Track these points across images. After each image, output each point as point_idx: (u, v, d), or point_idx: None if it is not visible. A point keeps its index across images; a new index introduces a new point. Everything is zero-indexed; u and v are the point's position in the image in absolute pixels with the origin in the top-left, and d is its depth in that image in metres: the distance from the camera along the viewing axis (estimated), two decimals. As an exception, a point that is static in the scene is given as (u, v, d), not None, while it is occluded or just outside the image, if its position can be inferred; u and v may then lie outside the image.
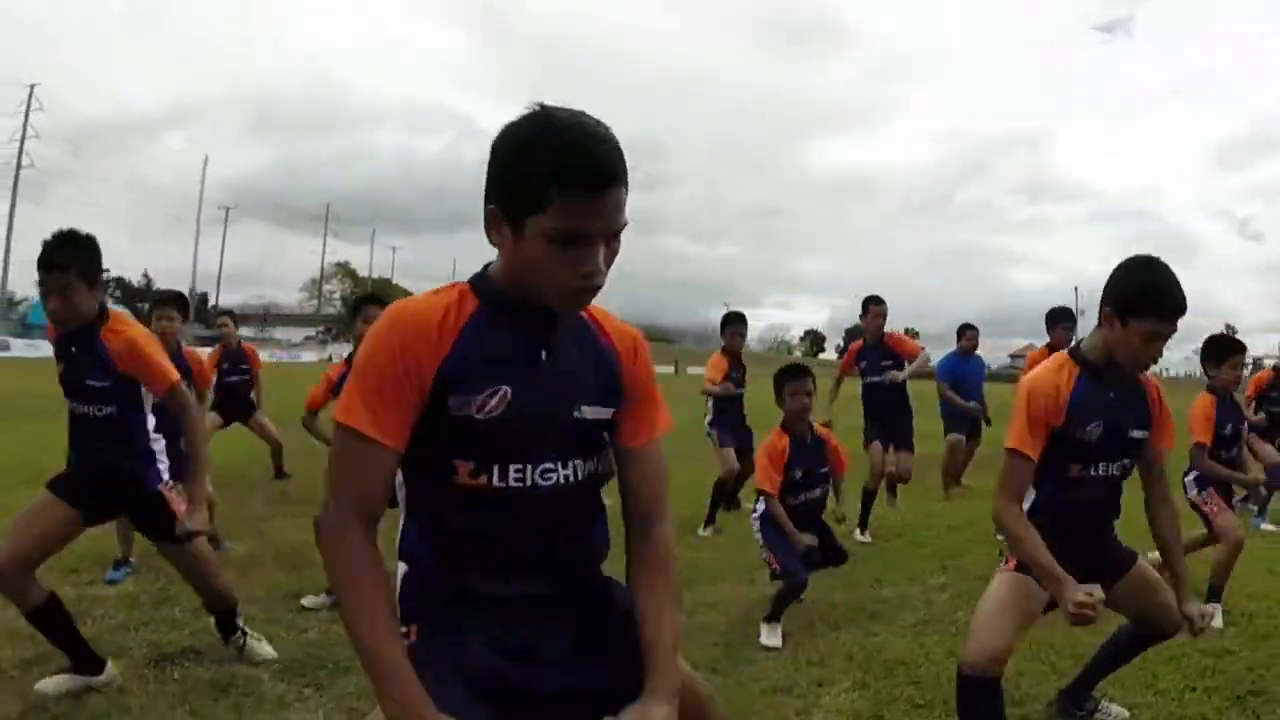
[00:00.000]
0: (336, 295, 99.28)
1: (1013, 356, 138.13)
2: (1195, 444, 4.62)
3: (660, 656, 1.56)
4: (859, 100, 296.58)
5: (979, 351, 9.21)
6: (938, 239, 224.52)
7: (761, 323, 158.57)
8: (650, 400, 1.72)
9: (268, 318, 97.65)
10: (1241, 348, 4.87)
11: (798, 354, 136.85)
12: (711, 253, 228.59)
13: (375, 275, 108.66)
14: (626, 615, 1.62)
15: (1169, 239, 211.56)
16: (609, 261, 1.51)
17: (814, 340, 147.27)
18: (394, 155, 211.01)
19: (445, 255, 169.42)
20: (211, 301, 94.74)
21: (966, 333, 9.02)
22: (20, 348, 42.31)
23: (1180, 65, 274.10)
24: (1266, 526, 7.01)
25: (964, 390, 8.71)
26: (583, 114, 1.46)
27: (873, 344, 7.38)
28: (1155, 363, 2.74)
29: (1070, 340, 6.64)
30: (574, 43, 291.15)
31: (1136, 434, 2.79)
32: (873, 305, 7.40)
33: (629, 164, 1.46)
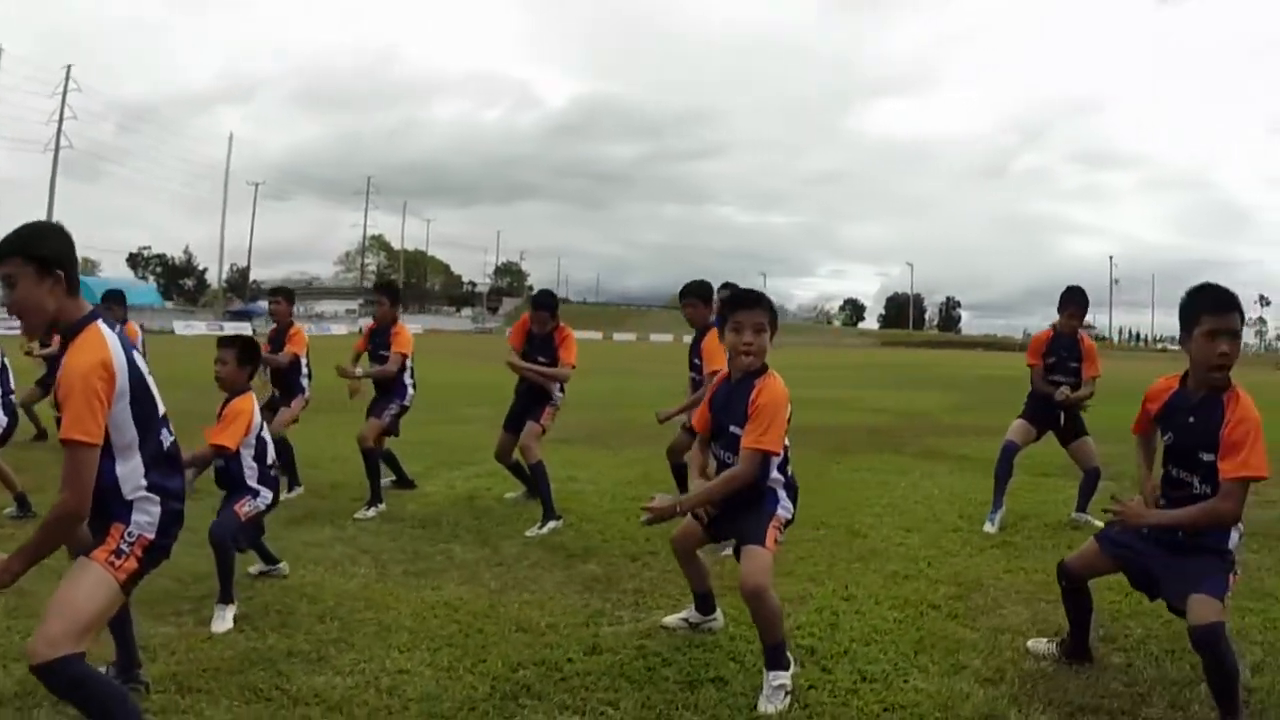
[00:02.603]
0: (371, 268, 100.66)
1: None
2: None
3: None
4: (916, 64, 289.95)
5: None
6: (993, 206, 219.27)
7: (814, 292, 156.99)
8: None
9: (310, 291, 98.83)
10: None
11: (837, 324, 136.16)
12: (765, 221, 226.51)
13: (411, 248, 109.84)
14: None
15: (1222, 209, 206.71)
16: None
17: (854, 309, 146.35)
18: (450, 126, 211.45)
19: (494, 227, 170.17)
20: (253, 277, 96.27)
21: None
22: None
23: (1233, 32, 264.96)
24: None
25: None
26: None
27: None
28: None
29: (1073, 330, 6.54)
30: (629, 9, 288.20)
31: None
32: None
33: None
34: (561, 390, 6.54)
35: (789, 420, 3.55)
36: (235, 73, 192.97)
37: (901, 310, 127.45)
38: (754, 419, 3.44)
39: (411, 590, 4.53)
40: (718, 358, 5.52)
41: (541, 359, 6.38)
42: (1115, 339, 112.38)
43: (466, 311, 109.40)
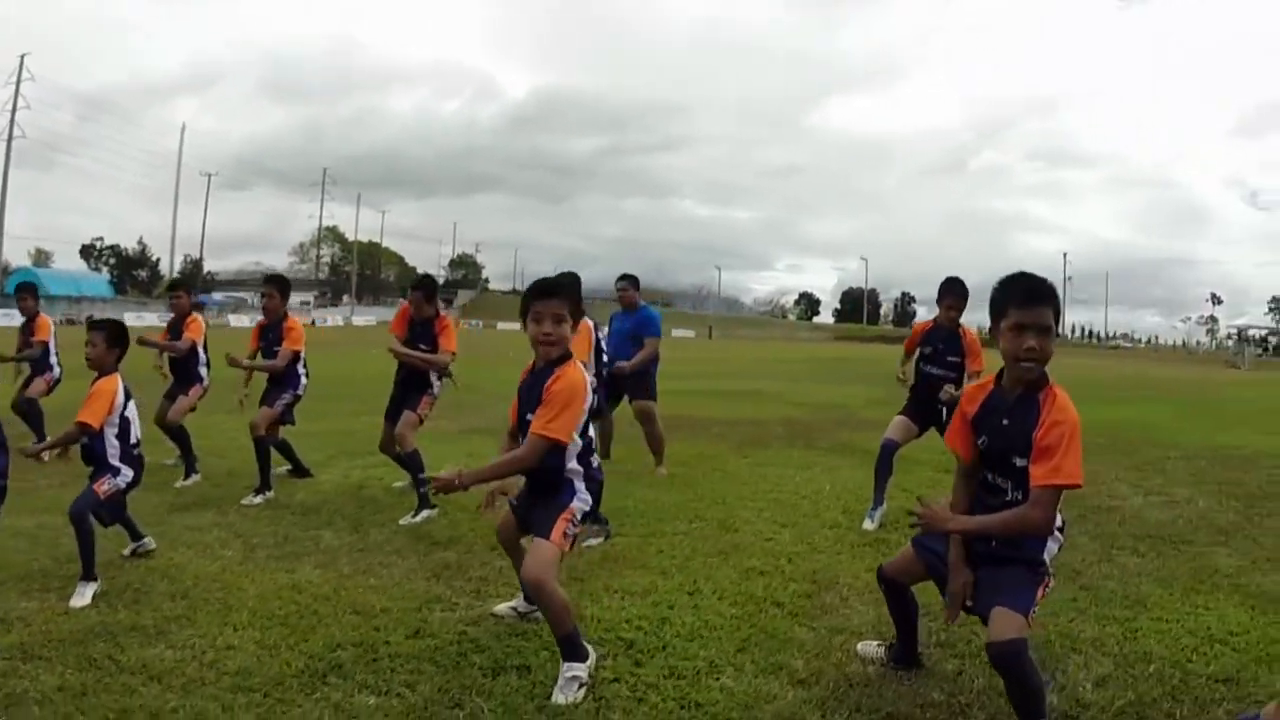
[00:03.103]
0: (326, 259, 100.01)
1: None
2: None
3: None
4: (877, 62, 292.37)
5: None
6: (953, 203, 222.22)
7: (772, 286, 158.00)
8: None
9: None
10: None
11: (792, 318, 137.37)
12: (725, 215, 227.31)
13: (366, 239, 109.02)
14: None
15: (1181, 208, 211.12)
16: None
17: (809, 304, 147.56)
18: (409, 117, 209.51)
19: (452, 219, 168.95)
20: (208, 268, 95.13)
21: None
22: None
23: (1196, 33, 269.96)
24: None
25: None
26: None
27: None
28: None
29: (953, 321, 6.46)
30: (592, 2, 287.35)
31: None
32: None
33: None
34: (440, 379, 6.69)
35: (586, 411, 3.60)
36: (195, 63, 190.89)
37: (857, 305, 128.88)
38: (545, 404, 3.49)
39: (267, 573, 4.71)
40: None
41: (423, 346, 6.55)
42: (1070, 335, 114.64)
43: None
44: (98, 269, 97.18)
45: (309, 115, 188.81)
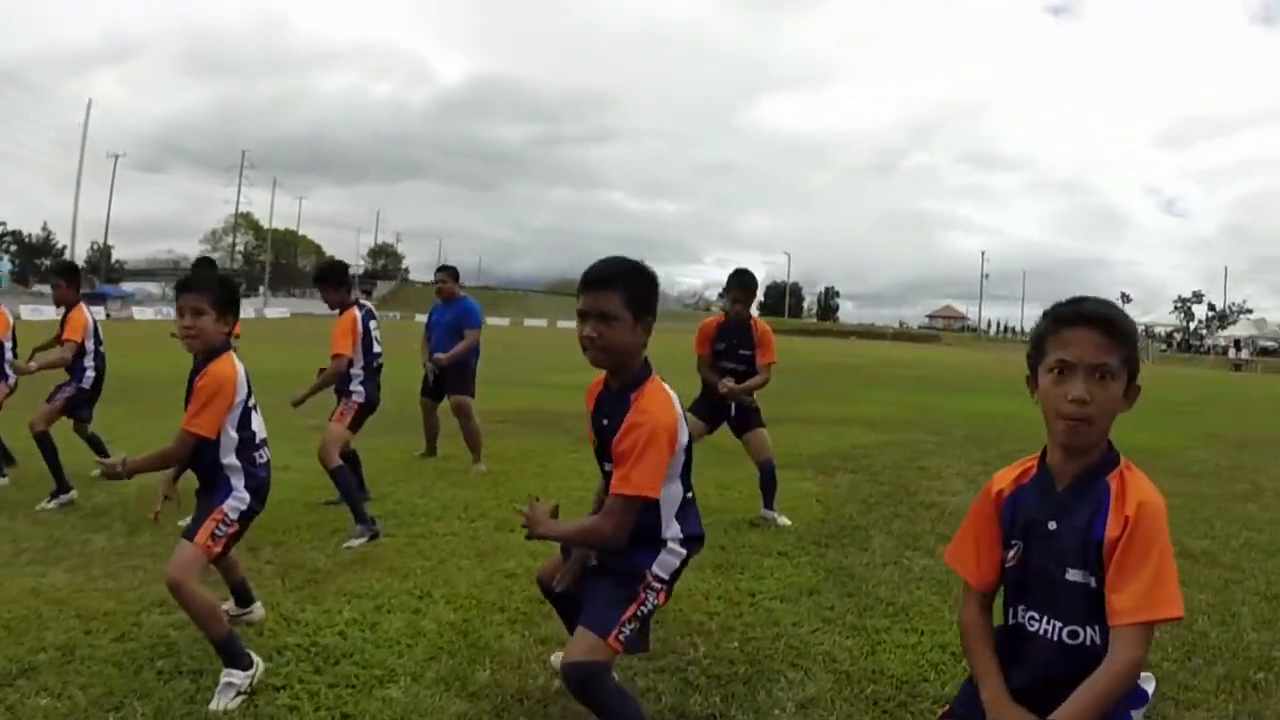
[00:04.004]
0: (240, 248, 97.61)
1: (930, 316, 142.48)
2: None
3: None
4: (812, 63, 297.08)
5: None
6: (882, 202, 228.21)
7: (701, 279, 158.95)
8: None
9: (177, 272, 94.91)
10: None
11: (715, 310, 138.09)
12: (655, 208, 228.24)
13: (281, 227, 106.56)
14: None
15: (1102, 212, 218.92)
16: None
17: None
18: (337, 99, 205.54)
19: (377, 206, 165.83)
20: (116, 256, 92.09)
21: None
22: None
23: (1126, 48, 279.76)
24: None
25: None
26: None
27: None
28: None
29: (742, 315, 6.41)
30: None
31: None
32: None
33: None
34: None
35: (243, 404, 3.62)
36: (112, 34, 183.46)
37: (781, 298, 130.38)
38: (191, 400, 3.53)
39: (19, 576, 4.71)
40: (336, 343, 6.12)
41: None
42: (990, 330, 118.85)
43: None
44: None
45: (231, 93, 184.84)
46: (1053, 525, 2.06)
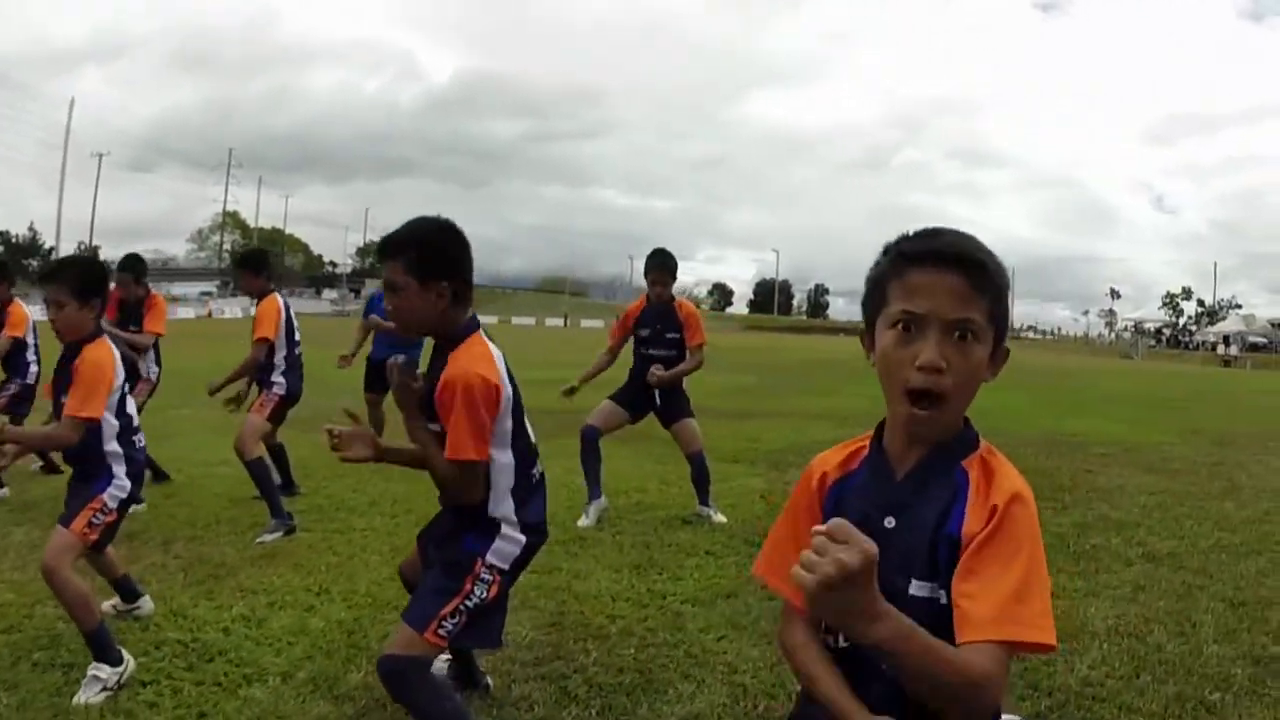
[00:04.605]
0: (227, 247, 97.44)
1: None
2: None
3: None
4: (803, 57, 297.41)
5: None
6: (873, 198, 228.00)
7: (692, 276, 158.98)
8: None
9: (165, 272, 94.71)
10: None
11: (705, 308, 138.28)
12: (646, 204, 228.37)
13: (269, 225, 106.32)
14: None
15: (1092, 209, 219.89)
16: None
17: (723, 294, 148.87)
18: (326, 97, 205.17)
19: (366, 204, 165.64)
20: (103, 256, 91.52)
21: None
22: None
23: (1114, 44, 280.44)
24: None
25: None
26: None
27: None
28: None
29: (663, 297, 6.21)
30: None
31: None
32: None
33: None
34: (158, 365, 6.88)
35: (120, 388, 3.56)
36: (100, 31, 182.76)
37: (771, 296, 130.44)
38: (72, 386, 3.43)
39: None
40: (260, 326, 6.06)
41: (133, 327, 6.69)
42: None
43: (329, 294, 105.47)
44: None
45: (219, 91, 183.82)
46: (890, 522, 1.59)
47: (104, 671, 3.26)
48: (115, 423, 3.56)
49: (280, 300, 6.22)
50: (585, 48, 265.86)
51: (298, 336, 6.34)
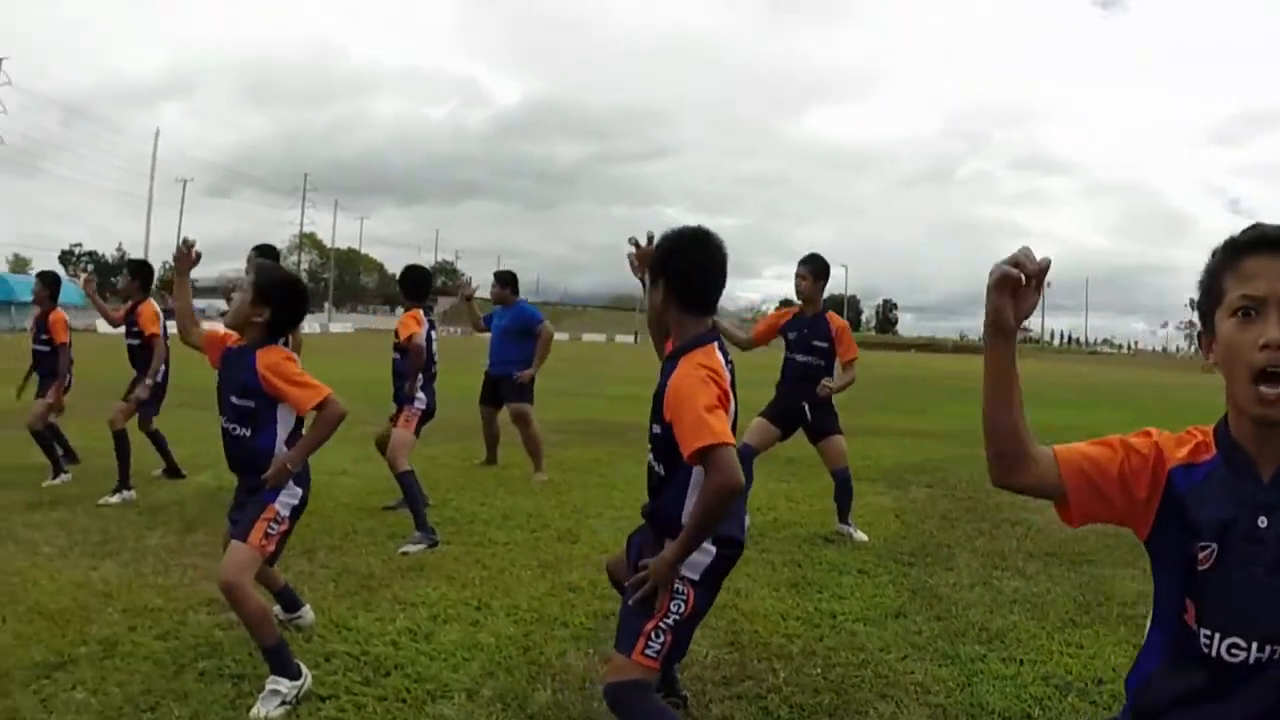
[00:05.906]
0: (305, 267, 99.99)
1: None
2: None
3: None
4: (862, 72, 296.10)
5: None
6: (936, 210, 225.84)
7: (759, 294, 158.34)
8: None
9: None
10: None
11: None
12: (711, 222, 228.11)
13: (344, 246, 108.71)
14: None
15: (1162, 215, 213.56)
16: None
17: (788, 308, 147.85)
18: (395, 123, 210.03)
19: (436, 226, 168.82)
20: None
21: None
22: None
23: (1177, 40, 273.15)
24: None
25: None
26: None
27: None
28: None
29: (809, 293, 6.04)
30: (580, 11, 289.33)
31: None
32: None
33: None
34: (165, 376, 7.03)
35: None
36: (176, 68, 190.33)
37: (839, 311, 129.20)
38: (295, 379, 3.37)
39: (70, 569, 4.67)
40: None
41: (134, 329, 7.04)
42: (1051, 341, 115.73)
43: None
44: (75, 276, 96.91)
45: (292, 120, 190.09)
46: (1263, 522, 1.53)
47: (283, 685, 3.15)
48: (292, 424, 3.42)
49: (425, 318, 6.32)
50: (647, 70, 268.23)
51: (436, 356, 6.41)
